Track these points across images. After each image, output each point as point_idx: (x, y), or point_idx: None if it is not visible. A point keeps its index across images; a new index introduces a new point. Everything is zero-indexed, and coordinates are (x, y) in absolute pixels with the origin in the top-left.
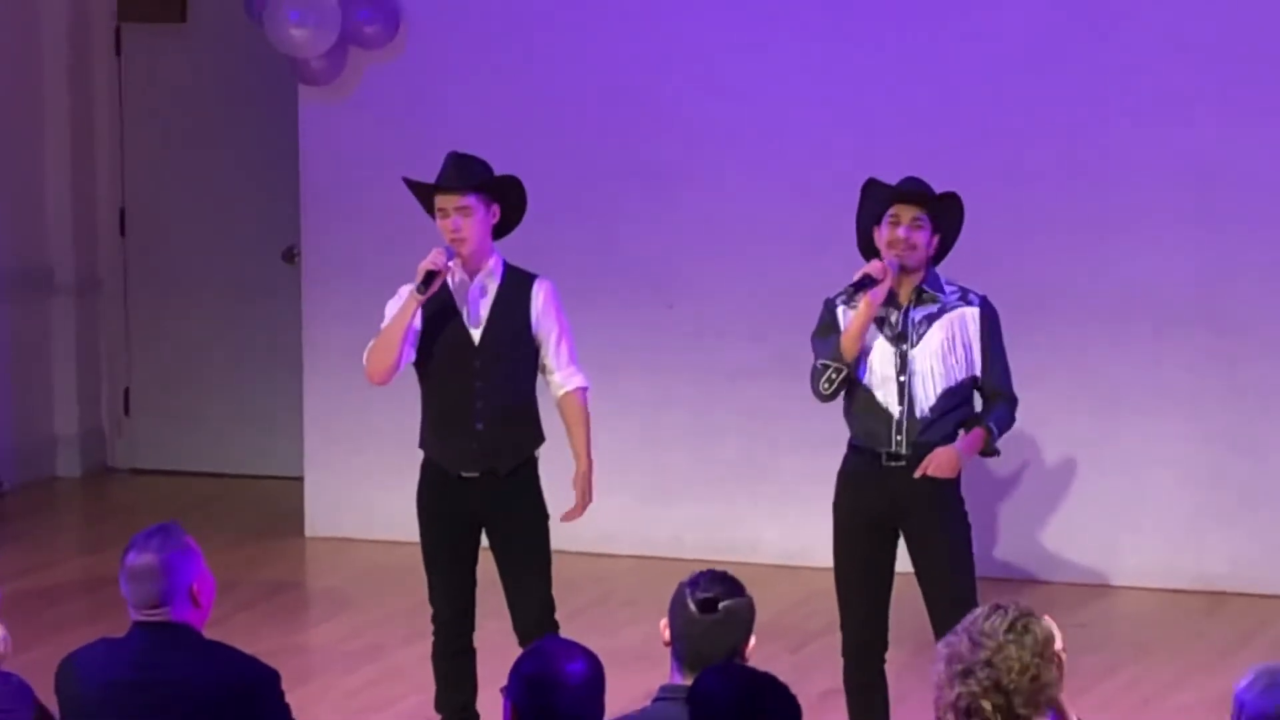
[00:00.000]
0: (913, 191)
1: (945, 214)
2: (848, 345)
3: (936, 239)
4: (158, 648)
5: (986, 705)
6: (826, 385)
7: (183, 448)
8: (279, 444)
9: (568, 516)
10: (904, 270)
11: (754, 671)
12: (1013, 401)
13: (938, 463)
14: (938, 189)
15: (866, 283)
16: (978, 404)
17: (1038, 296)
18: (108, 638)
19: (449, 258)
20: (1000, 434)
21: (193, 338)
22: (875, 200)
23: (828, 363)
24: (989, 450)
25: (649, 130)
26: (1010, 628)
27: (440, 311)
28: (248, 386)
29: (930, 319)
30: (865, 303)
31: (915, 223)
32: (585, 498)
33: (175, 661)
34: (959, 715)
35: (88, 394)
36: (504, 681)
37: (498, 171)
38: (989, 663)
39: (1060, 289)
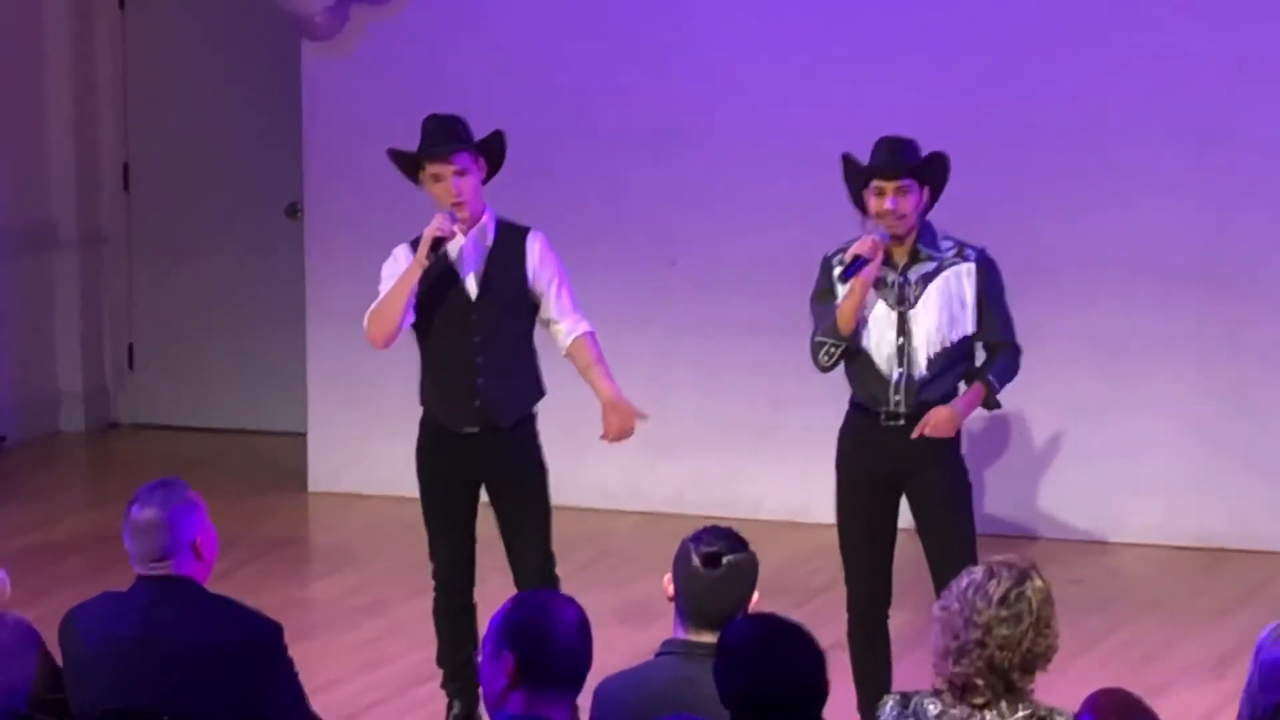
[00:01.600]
0: (888, 167)
1: (930, 171)
2: (844, 323)
3: (925, 192)
4: (161, 601)
5: (980, 683)
6: (826, 358)
7: (186, 403)
8: (282, 399)
9: (619, 433)
10: (896, 237)
11: (782, 620)
12: (1015, 351)
13: (935, 422)
14: (942, 147)
15: (859, 263)
16: (979, 358)
17: (1041, 255)
18: (111, 591)
19: (453, 221)
20: (1002, 385)
21: (196, 293)
22: (855, 173)
23: (824, 340)
24: (990, 404)
25: (652, 87)
26: (1003, 600)
27: (437, 269)
28: (251, 342)
29: (927, 279)
30: (859, 281)
31: (900, 191)
32: (632, 409)
33: (178, 615)
34: (955, 691)
35: (91, 349)
36: None
37: (499, 125)
38: (981, 643)
39: (1063, 247)
